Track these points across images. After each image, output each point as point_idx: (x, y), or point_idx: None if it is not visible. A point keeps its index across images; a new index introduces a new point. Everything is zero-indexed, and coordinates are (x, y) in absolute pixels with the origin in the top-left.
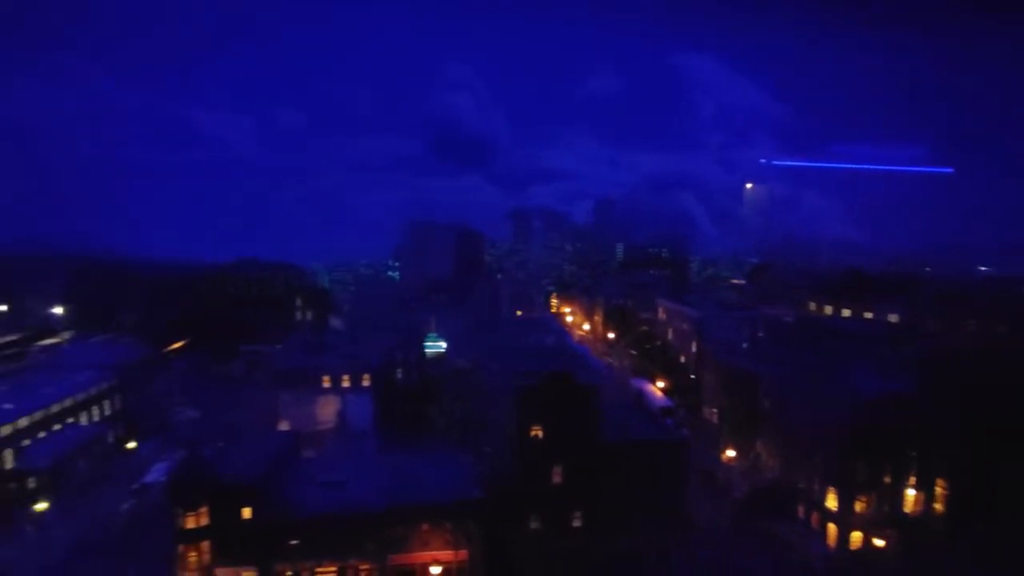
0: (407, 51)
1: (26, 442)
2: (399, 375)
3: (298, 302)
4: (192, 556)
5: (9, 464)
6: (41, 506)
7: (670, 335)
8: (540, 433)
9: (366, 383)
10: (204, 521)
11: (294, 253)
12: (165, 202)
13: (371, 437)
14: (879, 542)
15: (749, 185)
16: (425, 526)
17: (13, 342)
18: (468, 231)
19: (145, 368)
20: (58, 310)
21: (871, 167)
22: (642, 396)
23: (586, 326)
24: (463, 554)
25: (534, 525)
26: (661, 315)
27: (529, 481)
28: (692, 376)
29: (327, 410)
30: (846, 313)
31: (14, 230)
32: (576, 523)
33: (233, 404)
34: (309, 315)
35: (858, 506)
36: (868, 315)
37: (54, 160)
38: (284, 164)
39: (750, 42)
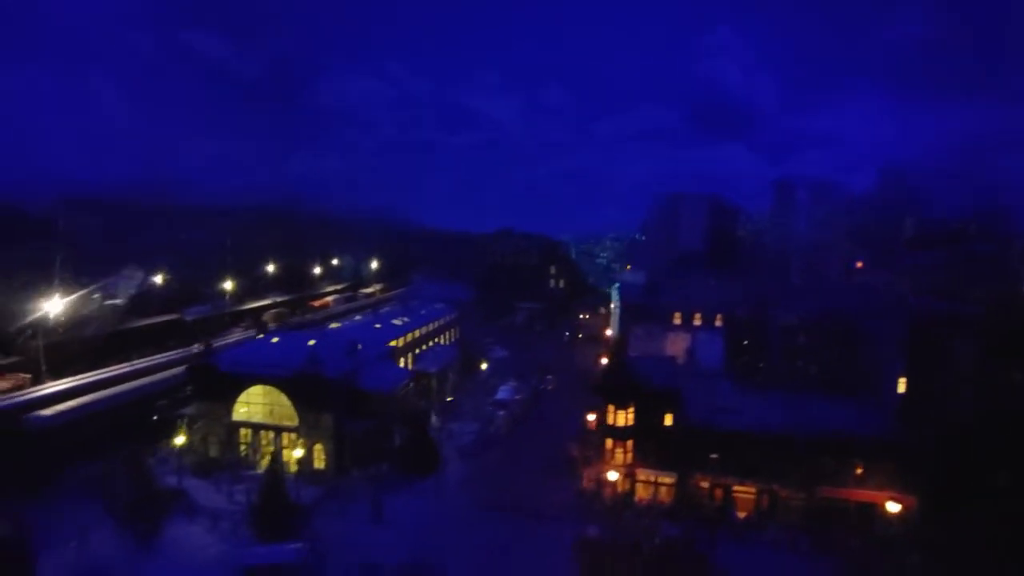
0: (668, 16)
1: (417, 351)
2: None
3: (552, 270)
4: (618, 452)
5: (410, 365)
6: (445, 400)
7: None
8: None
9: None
10: (630, 420)
11: (546, 224)
12: (443, 178)
13: (724, 375)
14: None
15: None
16: (857, 464)
17: (347, 287)
18: (721, 203)
19: (468, 307)
20: (373, 265)
21: None
22: None
23: None
24: (909, 501)
25: (1002, 483)
26: None
27: (994, 432)
28: None
29: (677, 346)
30: None
31: (340, 199)
32: None
33: (534, 346)
34: (561, 283)
35: None
36: None
37: (367, 142)
38: (543, 141)
39: None
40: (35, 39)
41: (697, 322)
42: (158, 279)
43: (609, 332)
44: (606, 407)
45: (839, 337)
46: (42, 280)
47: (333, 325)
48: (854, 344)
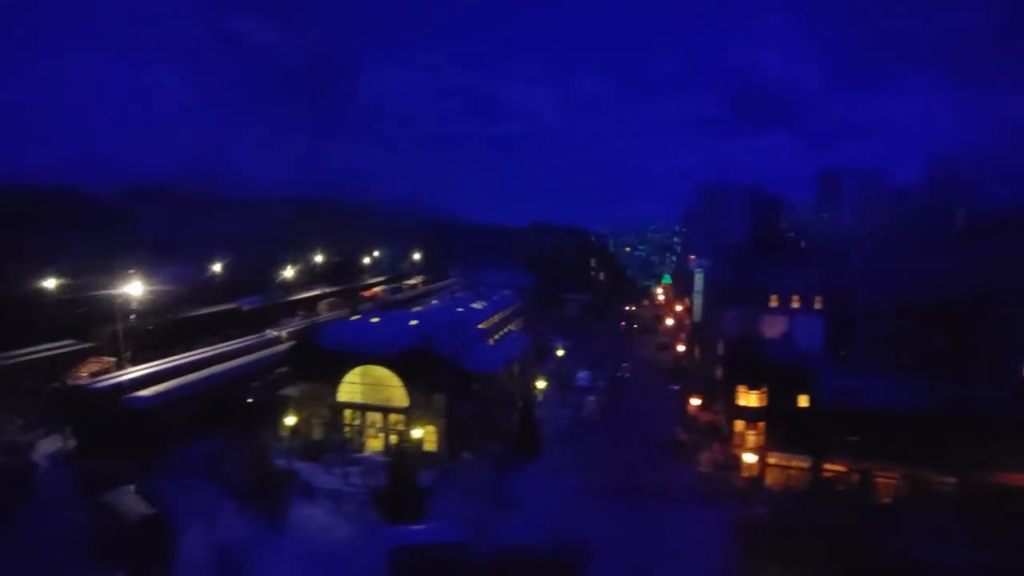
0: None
1: (496, 336)
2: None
3: (592, 263)
4: (750, 434)
5: None
6: (540, 385)
7: None
8: None
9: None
10: (761, 402)
11: (582, 217)
12: (478, 170)
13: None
14: None
15: None
16: (1013, 447)
17: (390, 279)
18: (763, 194)
19: (529, 294)
20: (410, 257)
21: None
22: None
23: None
24: None
25: None
26: None
27: None
28: None
29: (774, 329)
30: None
31: (375, 192)
32: None
33: (591, 336)
34: (601, 275)
35: None
36: None
37: (401, 134)
38: (579, 132)
39: None
40: (99, 30)
41: (795, 304)
42: (216, 268)
43: (669, 322)
44: (734, 388)
45: (949, 320)
46: (110, 267)
47: (415, 308)
48: (967, 327)
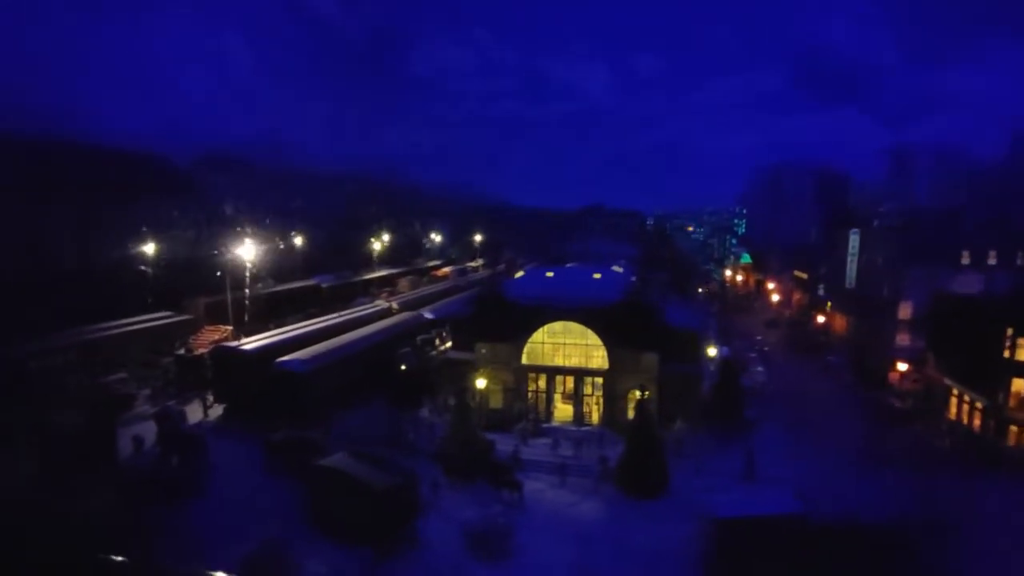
0: None
1: None
2: None
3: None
4: None
5: None
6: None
7: None
8: None
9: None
10: None
11: (638, 200)
12: (529, 152)
13: None
14: None
15: None
16: None
17: (449, 260)
18: (828, 172)
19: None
20: (469, 238)
21: None
22: None
23: None
24: None
25: None
26: None
27: None
28: None
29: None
30: None
31: (427, 173)
32: None
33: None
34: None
35: None
36: None
37: (451, 113)
38: (632, 111)
39: None
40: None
41: (991, 261)
42: (283, 244)
43: (776, 297)
44: (1010, 341)
45: None
46: (189, 237)
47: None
48: None
